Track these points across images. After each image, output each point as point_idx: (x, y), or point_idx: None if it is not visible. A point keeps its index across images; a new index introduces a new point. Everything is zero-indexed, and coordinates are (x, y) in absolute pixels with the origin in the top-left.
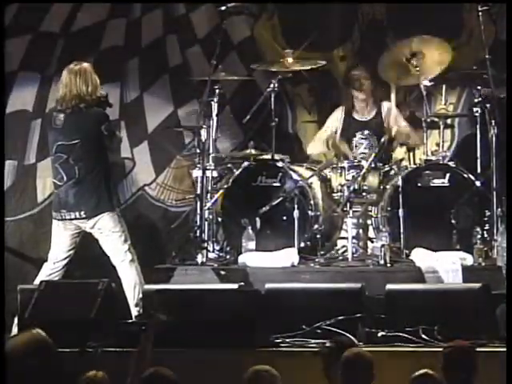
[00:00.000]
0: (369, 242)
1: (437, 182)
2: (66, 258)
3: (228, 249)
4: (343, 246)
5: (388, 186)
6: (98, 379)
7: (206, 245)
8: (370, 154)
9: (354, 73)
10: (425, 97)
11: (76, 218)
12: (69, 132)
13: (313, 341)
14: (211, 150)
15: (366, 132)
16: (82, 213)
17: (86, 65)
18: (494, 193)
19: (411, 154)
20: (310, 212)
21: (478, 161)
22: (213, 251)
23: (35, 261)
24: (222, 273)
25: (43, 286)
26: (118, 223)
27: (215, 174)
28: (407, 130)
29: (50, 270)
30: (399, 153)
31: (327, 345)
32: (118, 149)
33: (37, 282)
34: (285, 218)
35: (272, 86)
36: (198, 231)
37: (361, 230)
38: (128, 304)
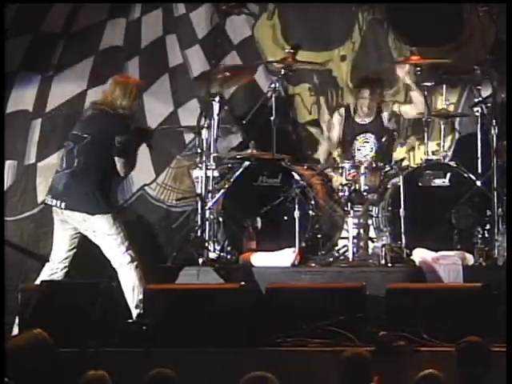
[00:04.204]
0: (369, 242)
1: (437, 182)
2: (66, 259)
3: (229, 249)
4: (344, 246)
5: (389, 186)
6: (99, 378)
7: (206, 245)
8: (371, 157)
9: (366, 77)
10: (425, 97)
11: (55, 206)
12: (86, 126)
13: (313, 340)
14: (212, 150)
15: (368, 135)
16: (63, 204)
17: (132, 80)
18: (495, 192)
19: (412, 153)
20: (310, 212)
21: (479, 160)
22: (214, 251)
23: (37, 258)
24: (223, 273)
25: (44, 286)
26: (112, 226)
27: (216, 173)
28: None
29: (51, 270)
30: (400, 152)
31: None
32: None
33: (38, 282)
34: (285, 217)
35: (272, 85)
36: (199, 231)
37: (361, 230)
38: (128, 304)
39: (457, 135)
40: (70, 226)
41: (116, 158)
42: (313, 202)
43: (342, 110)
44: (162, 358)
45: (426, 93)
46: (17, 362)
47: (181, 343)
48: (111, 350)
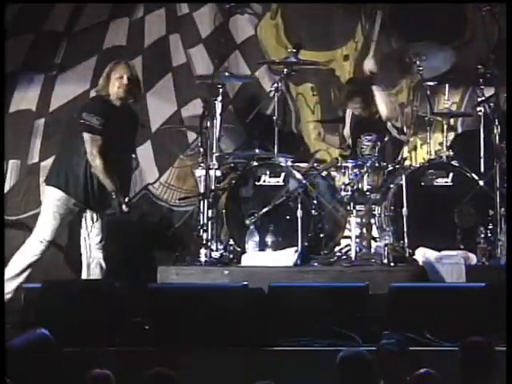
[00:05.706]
0: (372, 242)
1: (440, 182)
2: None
3: (231, 248)
4: (347, 246)
5: (391, 186)
6: (104, 377)
7: (209, 244)
8: (374, 155)
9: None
10: (428, 96)
11: None
12: None
13: (315, 340)
14: (215, 150)
15: (371, 134)
16: None
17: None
18: (498, 192)
19: (414, 153)
20: (313, 211)
21: (482, 160)
22: (216, 250)
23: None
24: (226, 272)
25: (46, 286)
26: (47, 201)
27: (218, 173)
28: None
29: None
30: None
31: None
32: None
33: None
34: (288, 217)
35: (275, 85)
36: (202, 231)
37: (364, 229)
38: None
39: (459, 135)
40: None
41: (83, 135)
42: (315, 202)
43: (347, 110)
44: (162, 357)
45: (428, 92)
46: (17, 361)
47: (181, 343)
48: (111, 349)
